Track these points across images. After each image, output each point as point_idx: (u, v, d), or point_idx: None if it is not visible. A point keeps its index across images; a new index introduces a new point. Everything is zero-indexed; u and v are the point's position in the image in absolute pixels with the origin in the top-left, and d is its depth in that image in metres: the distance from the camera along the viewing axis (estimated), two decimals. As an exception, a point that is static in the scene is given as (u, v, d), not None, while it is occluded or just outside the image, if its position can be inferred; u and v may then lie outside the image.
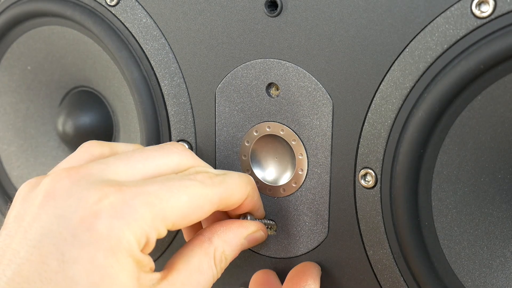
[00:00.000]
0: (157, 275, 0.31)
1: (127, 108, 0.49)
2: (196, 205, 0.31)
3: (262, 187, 0.41)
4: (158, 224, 0.29)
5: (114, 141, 0.52)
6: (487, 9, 0.32)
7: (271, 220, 0.41)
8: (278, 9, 0.38)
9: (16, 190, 0.55)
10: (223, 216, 0.39)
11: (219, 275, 0.34)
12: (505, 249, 0.35)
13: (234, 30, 0.40)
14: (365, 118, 0.37)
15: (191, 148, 0.44)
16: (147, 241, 0.29)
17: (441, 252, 0.36)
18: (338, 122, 0.38)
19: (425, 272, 0.36)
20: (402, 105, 0.35)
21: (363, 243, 0.38)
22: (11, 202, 0.55)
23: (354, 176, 0.38)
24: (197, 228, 0.39)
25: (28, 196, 0.30)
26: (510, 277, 0.35)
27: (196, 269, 0.32)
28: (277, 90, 0.39)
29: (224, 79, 0.40)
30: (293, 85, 0.38)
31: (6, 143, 0.55)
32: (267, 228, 0.40)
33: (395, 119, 0.35)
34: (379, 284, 0.39)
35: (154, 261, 0.47)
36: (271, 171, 0.41)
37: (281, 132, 0.39)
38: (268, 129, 0.40)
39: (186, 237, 0.40)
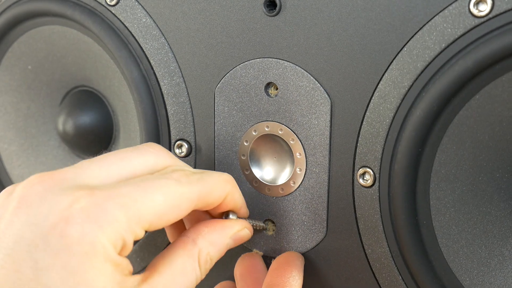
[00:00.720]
0: (138, 277, 0.30)
1: (127, 107, 0.49)
2: (172, 205, 0.31)
3: (261, 187, 0.41)
4: (133, 225, 0.29)
5: (114, 141, 0.52)
6: (485, 8, 0.32)
7: (259, 220, 0.41)
8: (277, 8, 0.38)
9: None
10: (205, 216, 0.38)
11: (203, 276, 0.33)
12: (503, 248, 0.35)
13: (233, 29, 0.40)
14: (363, 117, 0.37)
15: (190, 147, 0.44)
16: (123, 244, 0.29)
17: (439, 251, 0.36)
18: (337, 121, 0.38)
19: (423, 270, 0.36)
20: (400, 104, 0.35)
21: (361, 242, 0.39)
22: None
23: (353, 175, 0.38)
24: (181, 228, 0.39)
25: (3, 203, 0.30)
26: (508, 275, 0.35)
27: (179, 271, 0.32)
28: (276, 89, 0.39)
29: (223, 78, 0.41)
30: (291, 85, 0.38)
31: (7, 143, 0.55)
32: (256, 227, 0.40)
33: (394, 118, 0.36)
34: (378, 283, 0.39)
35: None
36: (269, 171, 0.41)
37: (280, 132, 0.39)
38: (266, 129, 0.40)
39: (169, 237, 0.40)
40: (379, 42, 0.35)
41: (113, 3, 0.44)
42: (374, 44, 0.35)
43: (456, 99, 0.33)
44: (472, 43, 0.32)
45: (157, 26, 0.43)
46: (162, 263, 0.32)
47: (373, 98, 0.36)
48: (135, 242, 0.30)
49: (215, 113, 0.41)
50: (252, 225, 0.39)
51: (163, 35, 0.43)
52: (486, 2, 0.32)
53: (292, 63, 0.38)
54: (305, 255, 0.41)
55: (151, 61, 0.44)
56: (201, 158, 0.43)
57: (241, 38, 0.40)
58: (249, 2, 0.39)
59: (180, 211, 0.31)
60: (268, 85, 0.39)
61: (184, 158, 0.44)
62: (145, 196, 0.29)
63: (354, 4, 0.36)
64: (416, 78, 0.34)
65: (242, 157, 0.41)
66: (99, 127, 0.52)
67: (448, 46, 0.33)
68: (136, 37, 0.44)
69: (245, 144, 0.41)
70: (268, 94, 0.39)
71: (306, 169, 0.39)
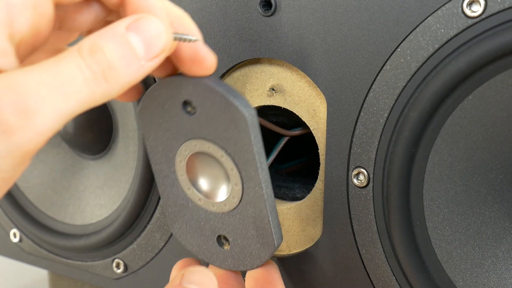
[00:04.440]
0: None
1: (125, 106, 0.49)
2: None
3: (206, 204, 0.38)
4: None
5: (113, 139, 0.52)
6: (478, 9, 0.32)
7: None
8: (272, 8, 0.38)
9: (17, 187, 0.55)
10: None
11: (110, 87, 0.25)
12: (496, 249, 0.35)
13: (229, 29, 0.40)
14: (358, 117, 0.37)
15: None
16: None
17: (433, 252, 0.36)
18: (332, 121, 0.38)
19: (417, 271, 0.36)
20: (394, 104, 0.35)
21: (356, 242, 0.39)
22: (12, 197, 0.55)
23: (347, 175, 0.38)
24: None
25: None
26: (502, 277, 0.35)
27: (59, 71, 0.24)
28: (193, 107, 0.35)
29: (142, 102, 0.36)
30: (206, 101, 0.34)
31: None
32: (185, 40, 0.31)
33: (387, 118, 0.36)
34: (372, 283, 0.39)
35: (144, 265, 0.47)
36: (209, 188, 0.38)
37: (209, 149, 0.36)
38: (196, 147, 0.36)
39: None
40: (373, 43, 0.35)
41: (111, 3, 0.44)
42: (368, 45, 0.35)
43: (449, 100, 0.33)
44: (465, 43, 0.32)
45: (155, 26, 0.43)
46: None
47: (367, 98, 0.36)
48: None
49: (143, 135, 0.37)
50: (179, 37, 0.31)
51: (161, 35, 0.43)
52: (479, 2, 0.32)
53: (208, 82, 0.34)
54: (300, 255, 0.41)
55: (149, 61, 0.44)
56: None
57: (237, 38, 0.40)
58: (245, 2, 0.39)
59: None
60: (185, 103, 0.35)
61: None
62: None
63: (348, 4, 0.36)
64: (410, 79, 0.34)
65: (181, 176, 0.38)
66: (99, 126, 0.52)
67: (441, 46, 0.33)
68: (134, 37, 0.44)
69: (180, 163, 0.37)
70: (187, 112, 0.35)
71: (242, 184, 0.36)
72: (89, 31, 0.31)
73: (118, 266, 0.52)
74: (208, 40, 0.41)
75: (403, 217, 0.36)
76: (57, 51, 0.31)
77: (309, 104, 0.40)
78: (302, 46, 0.38)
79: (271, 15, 0.39)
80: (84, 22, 0.30)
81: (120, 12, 0.29)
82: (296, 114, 0.41)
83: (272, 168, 0.53)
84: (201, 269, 0.33)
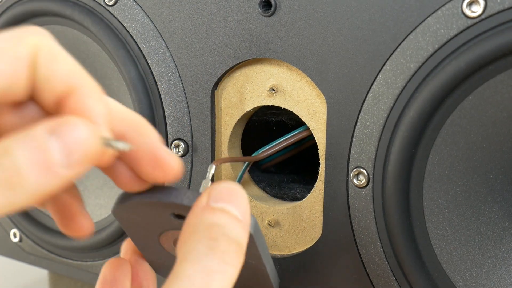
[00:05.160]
0: None
1: (126, 105, 0.49)
2: None
3: None
4: None
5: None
6: (477, 9, 0.32)
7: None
8: (272, 9, 0.38)
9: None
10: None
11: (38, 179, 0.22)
12: (496, 249, 0.35)
13: (229, 29, 0.40)
14: (357, 118, 0.37)
15: (187, 147, 0.44)
16: None
17: (433, 252, 0.36)
18: (332, 122, 0.38)
19: (417, 271, 0.36)
20: (394, 104, 0.35)
21: (355, 242, 0.39)
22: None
23: (347, 175, 0.38)
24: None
25: None
26: (502, 277, 0.35)
27: None
28: (182, 216, 0.30)
29: (116, 211, 0.30)
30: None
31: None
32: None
33: (387, 118, 0.36)
34: (372, 283, 0.39)
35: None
36: None
37: None
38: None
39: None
40: (373, 43, 0.35)
41: (111, 3, 0.45)
42: (368, 45, 0.35)
43: (449, 100, 0.33)
44: (465, 44, 0.32)
45: (155, 26, 0.43)
46: None
47: (367, 98, 0.36)
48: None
49: (121, 226, 0.33)
50: (109, 144, 0.25)
51: (161, 35, 0.43)
52: (479, 3, 0.32)
53: None
54: (300, 255, 0.41)
55: (149, 61, 0.44)
56: (197, 157, 0.44)
57: (237, 38, 0.40)
58: (244, 3, 0.39)
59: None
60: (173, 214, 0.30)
61: (181, 157, 0.44)
62: None
63: (348, 4, 0.36)
64: (410, 79, 0.34)
65: (171, 247, 0.34)
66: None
67: (441, 47, 0.33)
68: (134, 37, 0.44)
69: (168, 240, 0.33)
70: (175, 216, 0.30)
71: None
72: None
73: (118, 266, 0.52)
74: (208, 40, 0.41)
75: (403, 217, 0.36)
76: None
77: (309, 104, 0.40)
78: (302, 46, 0.38)
79: (271, 15, 0.39)
80: (20, 123, 0.27)
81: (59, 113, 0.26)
82: (296, 114, 0.41)
83: (256, 167, 0.52)
84: (228, 185, 0.28)
